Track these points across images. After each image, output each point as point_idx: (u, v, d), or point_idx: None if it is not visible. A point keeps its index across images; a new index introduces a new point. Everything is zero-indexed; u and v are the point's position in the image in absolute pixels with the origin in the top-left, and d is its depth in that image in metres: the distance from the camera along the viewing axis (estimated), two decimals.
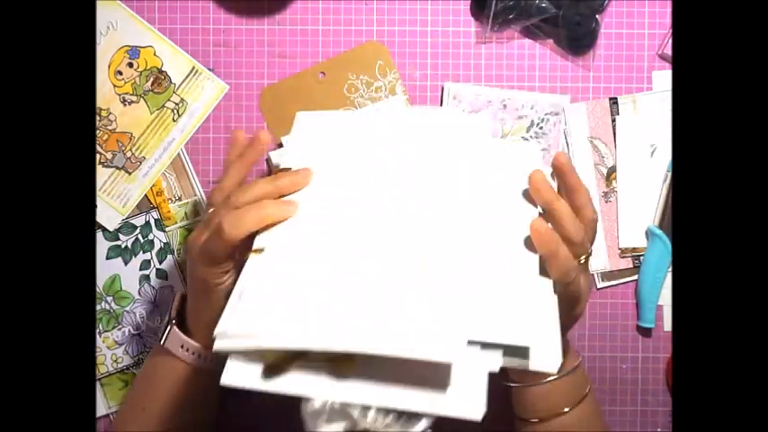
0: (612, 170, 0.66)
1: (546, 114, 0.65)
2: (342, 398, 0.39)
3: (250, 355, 0.40)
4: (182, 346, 0.53)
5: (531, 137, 0.65)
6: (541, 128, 0.65)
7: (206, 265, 0.49)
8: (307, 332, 0.39)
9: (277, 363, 0.40)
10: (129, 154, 0.66)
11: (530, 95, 0.65)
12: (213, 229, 0.47)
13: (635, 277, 0.66)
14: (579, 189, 0.50)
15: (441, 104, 0.66)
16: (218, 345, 0.40)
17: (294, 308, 0.41)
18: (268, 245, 0.45)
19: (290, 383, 0.39)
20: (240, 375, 0.39)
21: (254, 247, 0.45)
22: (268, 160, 0.65)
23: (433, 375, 0.39)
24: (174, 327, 0.54)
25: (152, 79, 0.66)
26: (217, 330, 0.40)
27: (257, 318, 0.40)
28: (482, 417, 0.39)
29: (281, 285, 0.42)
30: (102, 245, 0.66)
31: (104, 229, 0.66)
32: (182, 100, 0.66)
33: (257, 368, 0.40)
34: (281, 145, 0.65)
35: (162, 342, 0.54)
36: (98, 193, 0.65)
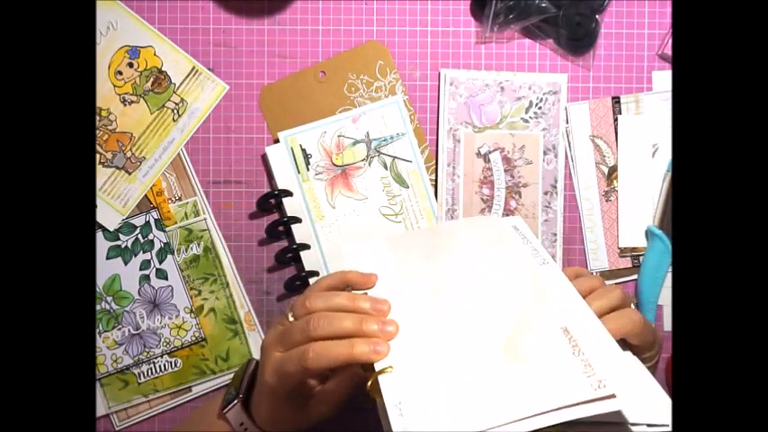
0: (614, 169, 0.66)
1: (544, 94, 0.65)
2: None
3: None
4: (241, 424, 0.53)
5: (530, 117, 0.65)
6: (540, 107, 0.65)
7: (277, 380, 0.49)
8: (488, 415, 0.41)
9: None
10: (129, 154, 0.66)
11: (527, 76, 0.65)
12: (297, 355, 0.47)
13: (634, 277, 0.66)
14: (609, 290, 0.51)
15: (438, 92, 0.65)
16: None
17: (463, 399, 0.42)
18: (393, 362, 0.45)
19: None
20: None
21: (379, 368, 0.45)
22: (264, 156, 0.65)
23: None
24: (240, 404, 0.54)
25: (152, 79, 0.66)
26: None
27: (435, 415, 0.42)
28: None
29: (436, 388, 0.43)
30: (102, 245, 0.66)
31: (104, 229, 0.66)
32: (182, 100, 0.66)
33: None
34: (277, 141, 0.65)
35: (224, 411, 0.54)
36: (98, 193, 0.65)
